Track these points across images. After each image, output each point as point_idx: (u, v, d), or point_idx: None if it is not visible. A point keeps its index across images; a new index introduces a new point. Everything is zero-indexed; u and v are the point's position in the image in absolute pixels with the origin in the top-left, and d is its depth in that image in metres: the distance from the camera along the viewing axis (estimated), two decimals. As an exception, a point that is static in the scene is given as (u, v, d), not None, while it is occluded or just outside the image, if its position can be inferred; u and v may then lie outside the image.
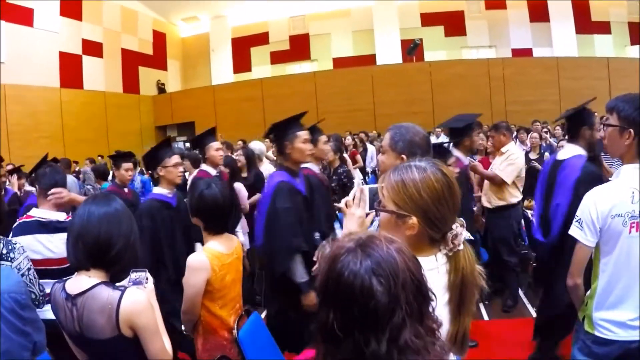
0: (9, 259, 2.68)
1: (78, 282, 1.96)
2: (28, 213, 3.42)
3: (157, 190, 4.07)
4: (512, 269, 5.66)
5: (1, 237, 2.75)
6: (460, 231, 1.54)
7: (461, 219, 1.61)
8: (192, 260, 2.74)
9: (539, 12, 19.77)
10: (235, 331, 2.77)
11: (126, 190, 5.36)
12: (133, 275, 2.04)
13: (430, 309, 1.12)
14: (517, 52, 19.87)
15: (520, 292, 5.87)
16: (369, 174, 10.91)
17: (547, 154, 8.02)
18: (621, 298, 2.34)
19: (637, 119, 2.28)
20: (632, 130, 2.28)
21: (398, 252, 1.08)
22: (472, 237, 1.64)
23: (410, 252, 1.13)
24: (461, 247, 1.56)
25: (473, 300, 1.60)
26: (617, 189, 2.33)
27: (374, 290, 1.02)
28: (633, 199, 2.25)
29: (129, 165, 5.18)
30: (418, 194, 1.55)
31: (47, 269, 3.14)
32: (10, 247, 2.71)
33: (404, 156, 2.34)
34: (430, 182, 1.55)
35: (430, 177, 1.56)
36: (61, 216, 3.42)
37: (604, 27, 19.85)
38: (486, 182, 5.83)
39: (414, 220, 1.54)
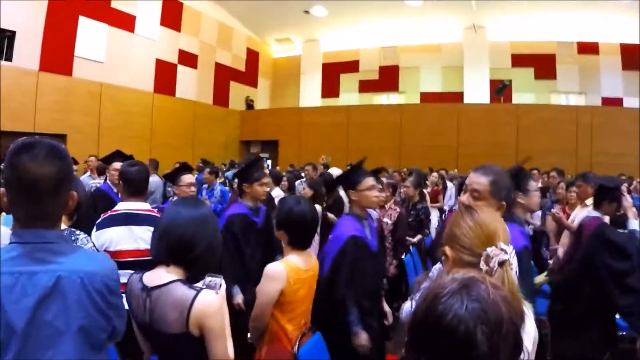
0: None
1: (156, 276, 2.04)
2: (115, 207, 3.66)
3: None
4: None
5: (67, 227, 2.79)
6: (496, 253, 1.56)
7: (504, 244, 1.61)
8: (269, 269, 2.81)
9: (631, 59, 18.65)
10: (296, 347, 2.78)
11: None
12: (208, 279, 2.08)
13: None
14: (606, 101, 18.91)
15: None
16: (446, 213, 10.13)
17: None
18: None
19: None
20: None
21: (503, 300, 1.01)
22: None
23: (513, 301, 1.05)
24: (496, 267, 1.53)
25: None
26: None
27: (477, 339, 0.95)
28: None
29: (191, 180, 4.79)
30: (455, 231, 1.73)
31: (136, 260, 3.30)
32: (73, 238, 2.77)
33: (503, 203, 2.33)
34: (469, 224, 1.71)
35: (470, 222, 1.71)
36: (145, 206, 3.65)
37: (700, 77, 18.47)
38: (564, 234, 5.70)
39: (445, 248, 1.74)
